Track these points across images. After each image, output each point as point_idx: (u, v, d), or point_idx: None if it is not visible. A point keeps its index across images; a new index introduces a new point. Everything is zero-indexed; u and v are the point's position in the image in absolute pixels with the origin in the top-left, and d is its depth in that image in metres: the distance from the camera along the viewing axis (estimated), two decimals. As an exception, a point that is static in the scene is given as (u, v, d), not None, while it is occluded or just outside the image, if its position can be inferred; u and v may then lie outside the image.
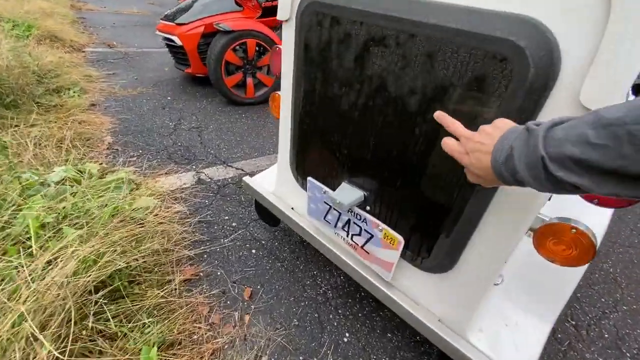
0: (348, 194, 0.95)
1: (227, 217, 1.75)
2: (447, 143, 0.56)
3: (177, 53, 3.22)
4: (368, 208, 0.96)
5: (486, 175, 0.50)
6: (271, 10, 3.26)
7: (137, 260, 1.27)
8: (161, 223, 1.51)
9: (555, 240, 0.70)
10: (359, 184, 0.95)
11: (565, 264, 0.71)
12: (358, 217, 0.98)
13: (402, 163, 0.80)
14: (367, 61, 0.78)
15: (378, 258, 1.00)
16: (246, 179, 1.47)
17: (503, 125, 0.49)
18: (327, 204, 1.07)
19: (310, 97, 0.97)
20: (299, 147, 1.11)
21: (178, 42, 3.03)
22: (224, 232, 1.65)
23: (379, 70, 0.76)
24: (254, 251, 1.56)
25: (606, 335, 1.36)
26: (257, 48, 3.02)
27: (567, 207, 0.84)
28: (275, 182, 1.38)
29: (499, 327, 0.95)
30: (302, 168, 1.14)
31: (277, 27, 3.42)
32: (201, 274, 1.42)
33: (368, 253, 1.02)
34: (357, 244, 1.05)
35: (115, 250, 1.21)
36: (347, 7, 0.78)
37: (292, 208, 1.33)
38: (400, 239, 0.89)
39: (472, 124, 0.56)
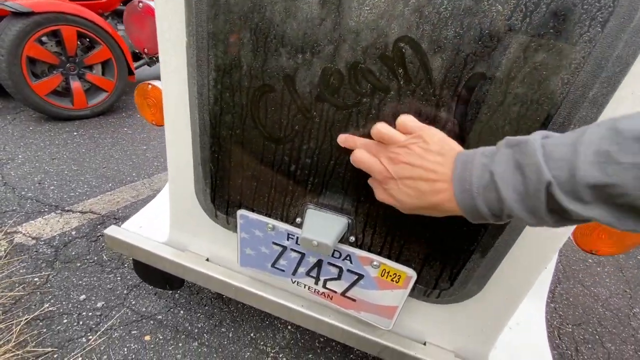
0: (323, 226, 0.61)
1: (83, 297, 1.08)
2: (362, 158, 0.47)
3: None
4: (353, 239, 0.64)
5: (420, 208, 0.41)
6: (93, -9, 2.42)
7: None
8: None
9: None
10: (336, 205, 0.62)
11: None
12: (337, 254, 0.65)
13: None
14: (347, 4, 0.45)
15: (371, 304, 0.69)
16: (111, 230, 0.90)
17: (439, 139, 0.41)
18: (280, 245, 0.70)
19: (233, 81, 0.57)
20: (216, 166, 0.68)
21: None
22: (85, 325, 1.00)
23: (373, 13, 0.45)
24: (147, 338, 1.00)
25: None
26: (81, 40, 2.17)
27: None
28: (168, 225, 0.88)
29: (504, 334, 0.81)
30: (224, 197, 0.72)
31: (106, 14, 2.59)
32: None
33: (354, 300, 0.71)
34: (335, 292, 0.71)
35: None
36: None
37: (207, 259, 0.87)
38: (410, 273, 0.62)
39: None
